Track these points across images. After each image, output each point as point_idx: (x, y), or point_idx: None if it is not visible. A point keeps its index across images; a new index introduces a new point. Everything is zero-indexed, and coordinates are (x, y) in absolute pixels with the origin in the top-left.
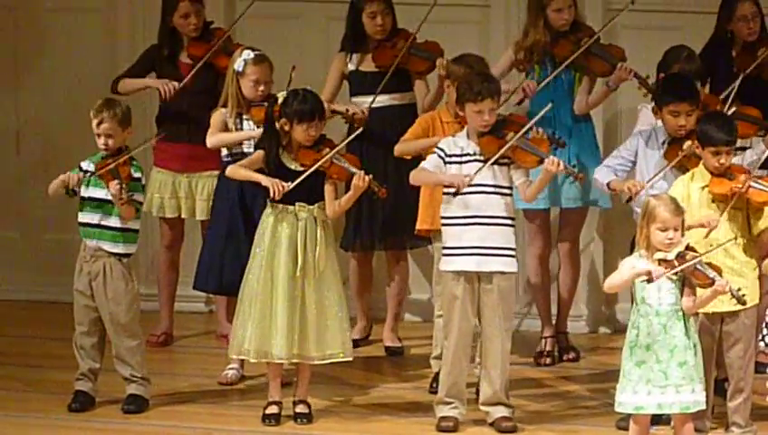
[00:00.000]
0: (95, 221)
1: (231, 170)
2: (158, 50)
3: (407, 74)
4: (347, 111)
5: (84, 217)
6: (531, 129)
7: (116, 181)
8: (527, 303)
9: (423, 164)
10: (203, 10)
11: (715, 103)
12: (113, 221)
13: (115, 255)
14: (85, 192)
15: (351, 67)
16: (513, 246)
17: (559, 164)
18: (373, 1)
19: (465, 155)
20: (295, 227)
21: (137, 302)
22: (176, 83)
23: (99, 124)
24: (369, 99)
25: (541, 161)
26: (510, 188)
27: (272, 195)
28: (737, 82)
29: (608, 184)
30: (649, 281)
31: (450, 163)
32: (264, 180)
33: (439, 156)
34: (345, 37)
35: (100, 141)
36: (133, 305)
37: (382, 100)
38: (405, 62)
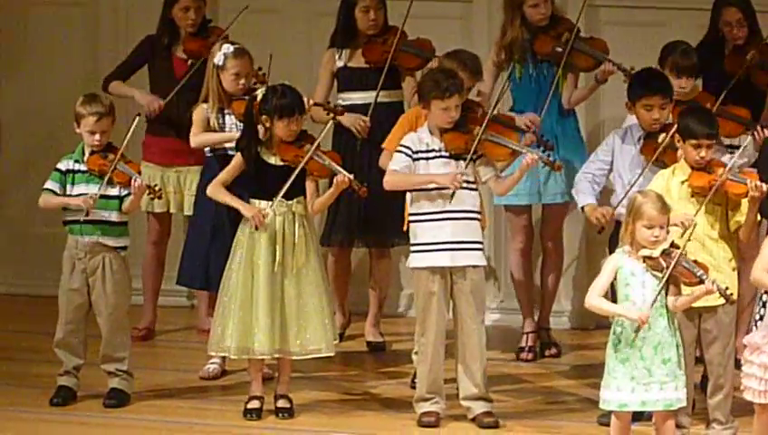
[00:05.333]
0: (97, 218)
1: (212, 191)
2: (157, 40)
3: (396, 72)
4: (328, 103)
5: (82, 214)
6: (522, 132)
7: (138, 179)
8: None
9: (392, 167)
10: (203, 7)
11: (707, 101)
12: (115, 216)
13: (116, 248)
14: (80, 190)
15: (340, 63)
16: (482, 240)
17: (534, 155)
18: None
19: (431, 151)
20: (273, 223)
21: (131, 295)
22: (161, 102)
23: (97, 121)
24: (357, 95)
25: (513, 153)
26: (474, 182)
27: (253, 226)
28: (731, 83)
29: (582, 208)
30: (637, 329)
31: (418, 160)
32: (244, 211)
33: (406, 154)
34: (335, 33)
35: (94, 138)
36: (130, 298)
37: (370, 96)
38: (395, 59)
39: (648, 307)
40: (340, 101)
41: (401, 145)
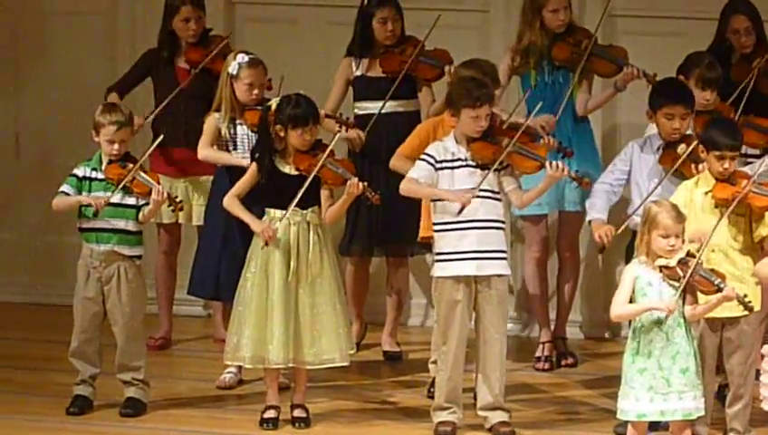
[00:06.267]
0: (112, 226)
1: (227, 203)
2: (158, 53)
3: (413, 81)
4: (340, 115)
5: (98, 222)
6: (539, 137)
7: (159, 190)
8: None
9: (412, 174)
10: (203, 17)
11: (728, 112)
12: (131, 225)
13: (131, 257)
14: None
15: (358, 72)
16: (506, 249)
17: (563, 169)
18: (384, 7)
19: (457, 160)
20: (288, 232)
21: (146, 303)
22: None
23: (117, 130)
24: (374, 104)
25: (541, 166)
26: (498, 192)
27: (264, 243)
28: (747, 91)
29: (589, 221)
30: (665, 319)
31: (442, 169)
32: (254, 226)
33: (429, 163)
34: (353, 42)
35: (113, 147)
36: (145, 307)
37: (388, 106)
38: (413, 69)
39: (674, 299)
40: (356, 111)
41: (426, 153)
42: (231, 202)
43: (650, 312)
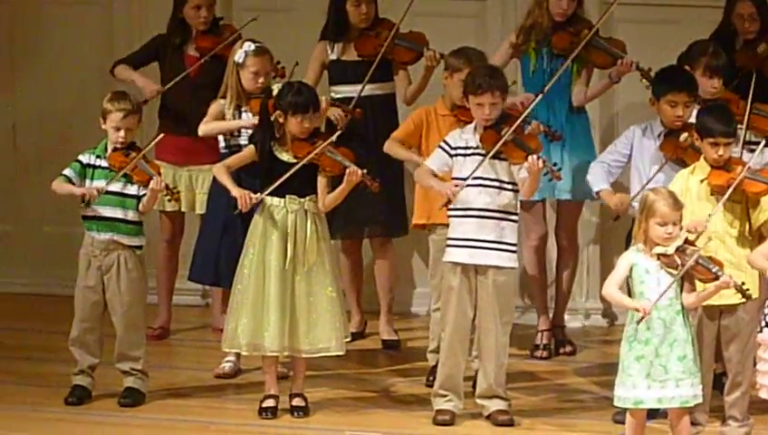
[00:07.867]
0: (112, 215)
1: (215, 170)
2: (167, 39)
3: (389, 64)
4: (345, 103)
5: (98, 211)
6: (528, 123)
7: (158, 179)
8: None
9: (427, 162)
10: (214, 4)
11: (736, 102)
12: (131, 215)
13: (131, 247)
14: (99, 185)
15: (333, 57)
16: (512, 241)
17: (538, 162)
18: None
19: (469, 148)
20: (286, 220)
21: (146, 293)
22: (161, 88)
23: (124, 117)
24: (349, 88)
25: (527, 157)
26: (511, 183)
27: (239, 207)
28: (753, 78)
29: (597, 192)
30: (641, 319)
31: (456, 156)
32: (233, 191)
33: (444, 150)
34: (327, 26)
35: (119, 134)
36: (145, 297)
37: (365, 88)
38: (389, 53)
39: (652, 302)
40: (332, 94)
41: (443, 140)
42: (218, 170)
43: (647, 298)
